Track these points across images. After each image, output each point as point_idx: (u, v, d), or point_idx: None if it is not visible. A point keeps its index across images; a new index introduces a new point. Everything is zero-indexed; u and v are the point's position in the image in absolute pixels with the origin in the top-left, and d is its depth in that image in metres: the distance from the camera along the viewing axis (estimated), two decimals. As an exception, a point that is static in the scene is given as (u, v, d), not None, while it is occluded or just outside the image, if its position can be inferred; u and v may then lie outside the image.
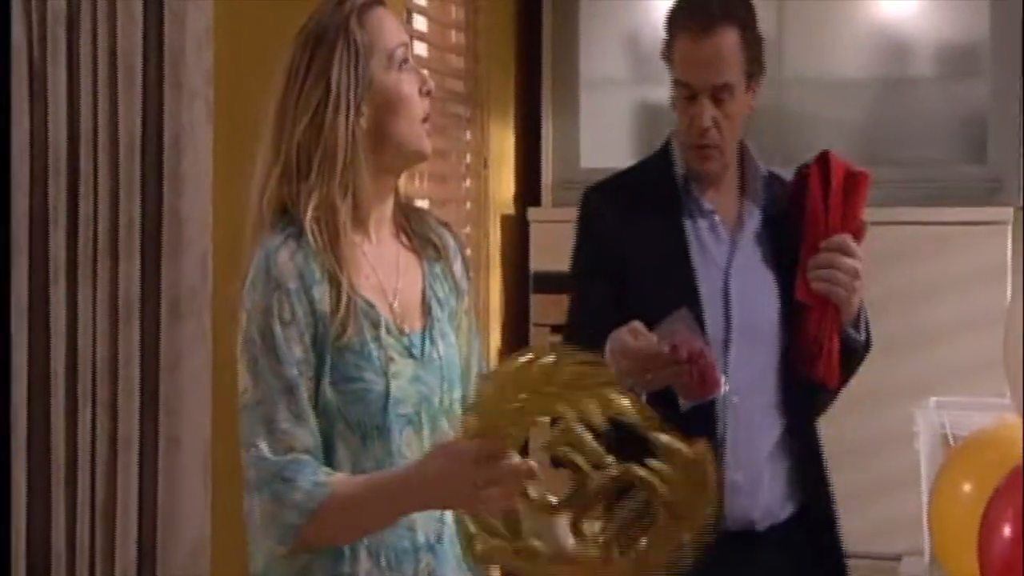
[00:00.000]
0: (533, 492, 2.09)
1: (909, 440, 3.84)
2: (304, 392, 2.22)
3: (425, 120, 2.33)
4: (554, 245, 4.78)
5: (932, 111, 4.74)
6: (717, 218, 2.80)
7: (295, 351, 2.22)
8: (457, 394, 2.36)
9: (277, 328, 2.23)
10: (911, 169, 4.73)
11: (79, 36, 3.08)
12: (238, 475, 2.27)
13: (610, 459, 2.06)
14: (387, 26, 2.33)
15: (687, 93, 2.71)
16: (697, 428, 2.57)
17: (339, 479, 2.20)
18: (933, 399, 3.72)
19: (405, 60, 2.32)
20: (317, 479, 2.18)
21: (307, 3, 3.24)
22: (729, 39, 2.67)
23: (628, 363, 2.54)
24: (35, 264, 3.11)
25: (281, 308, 2.23)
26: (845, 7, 4.82)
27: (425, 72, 2.39)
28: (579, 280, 2.89)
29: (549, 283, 4.74)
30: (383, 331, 2.27)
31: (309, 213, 2.26)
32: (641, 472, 2.04)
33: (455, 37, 4.53)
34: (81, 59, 3.08)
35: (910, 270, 4.59)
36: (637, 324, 2.57)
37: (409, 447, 2.28)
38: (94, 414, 3.11)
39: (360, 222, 2.30)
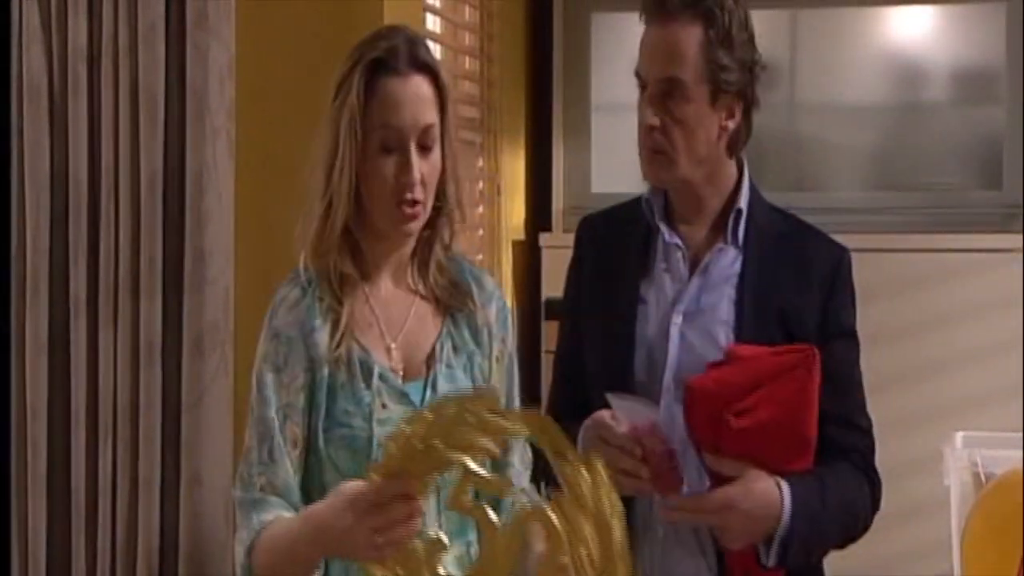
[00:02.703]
0: (430, 532, 2.10)
1: (932, 465, 3.82)
2: (280, 437, 2.28)
3: (405, 204, 2.28)
4: (565, 271, 4.79)
5: (947, 137, 4.73)
6: (679, 254, 2.53)
7: (279, 396, 2.29)
8: None
9: (268, 374, 2.30)
10: (926, 195, 4.72)
11: (100, 72, 3.06)
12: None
13: (518, 490, 2.09)
14: (389, 99, 2.28)
15: (640, 85, 2.49)
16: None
17: (281, 518, 2.22)
18: (959, 434, 3.70)
19: (392, 146, 2.27)
20: (264, 518, 2.23)
21: (330, 40, 3.25)
22: (686, 32, 2.42)
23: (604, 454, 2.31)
24: (56, 301, 3.09)
25: (276, 355, 2.31)
26: (859, 32, 4.80)
27: (416, 161, 2.28)
28: (564, 317, 2.70)
29: (561, 309, 4.72)
30: (376, 378, 2.29)
31: (309, 254, 2.33)
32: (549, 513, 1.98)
33: (468, 64, 4.51)
34: (102, 95, 3.07)
35: (925, 297, 4.57)
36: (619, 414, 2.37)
37: None
38: (115, 452, 3.09)
39: (366, 274, 2.35)
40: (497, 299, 2.43)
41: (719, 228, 2.54)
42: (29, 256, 3.08)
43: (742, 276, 2.50)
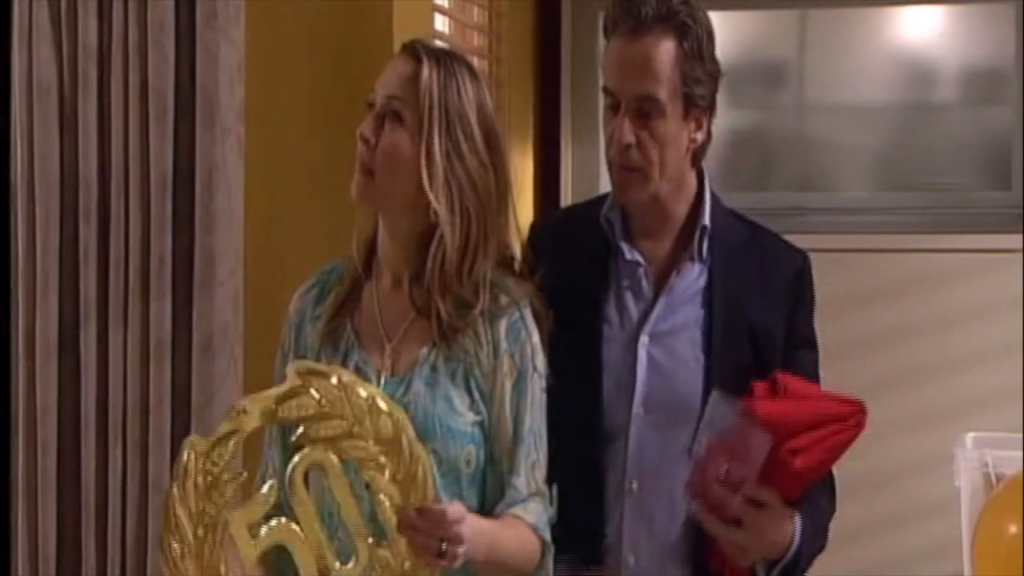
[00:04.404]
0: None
1: (943, 466, 3.82)
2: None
3: (360, 169, 2.31)
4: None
5: (956, 137, 4.73)
6: (641, 271, 2.45)
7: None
8: (430, 445, 2.27)
9: (279, 358, 2.43)
10: (934, 196, 4.72)
11: (110, 72, 3.06)
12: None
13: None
14: (385, 72, 2.35)
15: (611, 103, 2.40)
16: (589, 515, 2.43)
17: None
18: (970, 435, 3.70)
19: (370, 104, 2.33)
20: None
21: (340, 41, 3.25)
22: (661, 47, 2.35)
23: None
24: (66, 301, 3.08)
25: (285, 340, 2.43)
26: (868, 32, 4.80)
27: (368, 120, 2.32)
28: None
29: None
30: (351, 366, 2.32)
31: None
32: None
33: (477, 64, 4.50)
34: (112, 95, 3.06)
35: (934, 298, 4.57)
36: None
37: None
38: (125, 453, 3.08)
39: (377, 272, 2.38)
40: (511, 313, 2.33)
41: (681, 242, 2.47)
42: (39, 256, 3.08)
43: (708, 292, 2.43)
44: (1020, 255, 4.41)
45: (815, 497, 2.40)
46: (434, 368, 2.32)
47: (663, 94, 2.36)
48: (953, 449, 3.67)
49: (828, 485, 2.47)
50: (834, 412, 2.31)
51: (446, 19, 4.17)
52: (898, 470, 4.51)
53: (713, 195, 2.50)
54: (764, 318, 2.43)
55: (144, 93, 3.05)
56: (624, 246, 2.47)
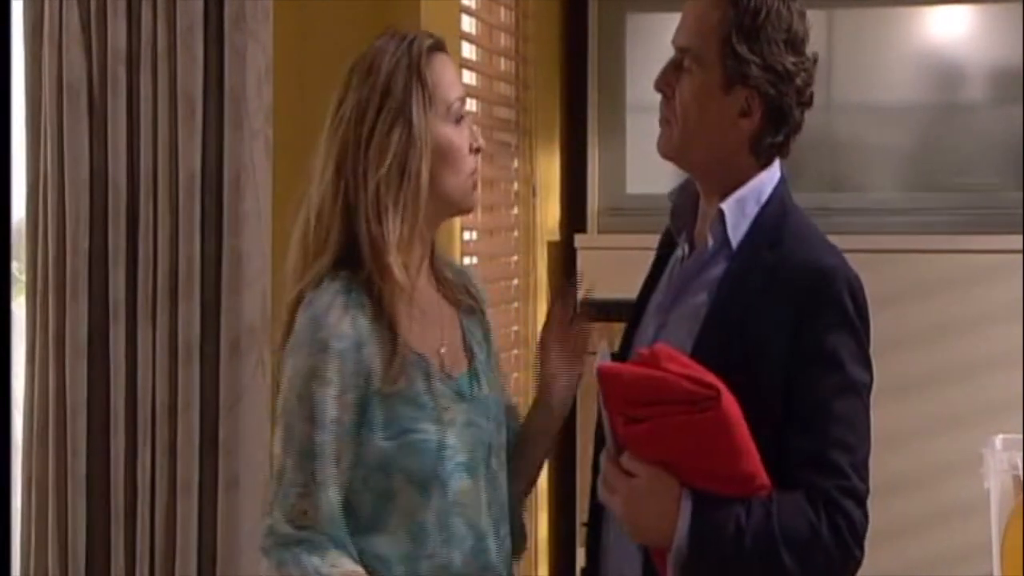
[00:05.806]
0: None
1: (973, 468, 3.81)
2: (331, 458, 2.22)
3: (473, 174, 2.35)
4: (601, 272, 4.77)
5: (985, 137, 4.71)
6: (678, 253, 2.42)
7: (332, 413, 2.22)
8: (503, 435, 2.38)
9: (317, 390, 2.22)
10: (963, 196, 4.70)
11: (139, 74, 3.07)
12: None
13: None
14: (448, 75, 2.35)
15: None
16: None
17: (341, 572, 2.19)
18: (999, 437, 3.67)
19: (461, 116, 2.34)
20: (321, 568, 2.18)
21: (368, 42, 3.23)
22: (711, 9, 2.33)
23: None
24: (95, 303, 3.09)
25: (325, 369, 2.22)
26: (895, 32, 4.79)
27: (477, 129, 2.39)
28: None
29: (596, 311, 4.70)
30: (435, 380, 2.30)
31: (392, 254, 2.27)
32: None
33: (504, 65, 4.51)
34: (141, 97, 3.07)
35: (964, 298, 4.55)
36: None
37: (466, 495, 2.28)
38: (154, 454, 3.09)
39: (408, 268, 2.34)
40: (481, 290, 2.51)
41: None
42: (68, 258, 3.09)
43: (719, 286, 2.34)
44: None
45: (768, 504, 2.19)
46: (479, 358, 2.38)
47: (696, 51, 2.34)
48: (982, 451, 3.66)
49: (816, 504, 2.22)
50: (683, 392, 2.13)
51: (473, 20, 4.18)
52: (927, 472, 4.50)
53: (777, 194, 2.39)
54: (763, 324, 2.28)
55: (173, 95, 3.06)
56: (681, 228, 2.45)
